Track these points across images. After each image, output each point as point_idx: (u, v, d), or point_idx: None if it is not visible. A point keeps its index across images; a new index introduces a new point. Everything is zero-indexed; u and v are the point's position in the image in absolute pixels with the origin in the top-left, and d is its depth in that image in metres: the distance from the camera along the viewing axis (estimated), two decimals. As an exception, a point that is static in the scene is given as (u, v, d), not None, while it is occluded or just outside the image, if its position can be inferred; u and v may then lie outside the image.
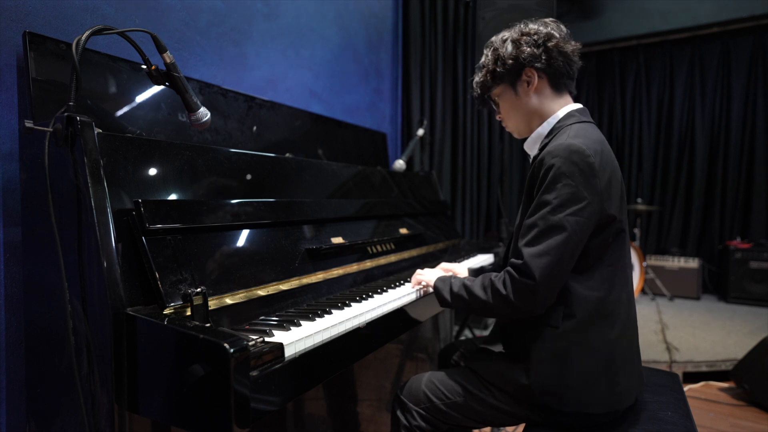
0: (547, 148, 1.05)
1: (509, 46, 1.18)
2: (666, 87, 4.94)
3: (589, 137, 1.05)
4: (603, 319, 1.06)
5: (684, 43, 4.80)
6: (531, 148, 1.23)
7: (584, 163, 1.00)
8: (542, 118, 1.19)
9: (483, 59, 1.26)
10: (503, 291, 1.03)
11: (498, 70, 1.20)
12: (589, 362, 1.05)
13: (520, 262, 1.02)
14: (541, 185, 1.03)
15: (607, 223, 1.04)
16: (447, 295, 1.20)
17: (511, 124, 1.26)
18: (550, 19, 1.20)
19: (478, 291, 1.10)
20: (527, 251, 1.01)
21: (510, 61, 1.17)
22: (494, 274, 1.10)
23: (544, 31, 1.16)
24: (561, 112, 1.17)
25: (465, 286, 1.15)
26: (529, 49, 1.15)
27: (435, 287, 1.25)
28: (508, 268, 1.05)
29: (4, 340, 1.16)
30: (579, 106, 1.18)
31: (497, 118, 1.30)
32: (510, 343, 1.17)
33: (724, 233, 4.68)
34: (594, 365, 1.05)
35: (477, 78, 1.28)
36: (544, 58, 1.14)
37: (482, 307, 1.11)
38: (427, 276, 1.36)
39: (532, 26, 1.17)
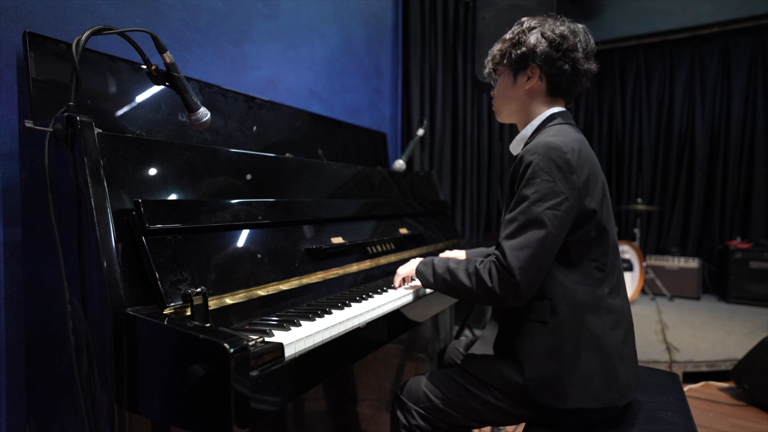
0: (526, 146, 1.09)
1: (532, 37, 1.16)
2: (666, 87, 4.94)
3: (567, 136, 1.08)
4: (593, 314, 1.06)
5: (684, 43, 4.80)
6: (515, 149, 1.26)
7: (561, 159, 1.03)
8: (527, 118, 1.22)
9: (509, 34, 1.23)
10: (489, 283, 1.05)
11: (512, 51, 1.20)
12: (583, 356, 1.05)
13: (502, 256, 1.04)
14: (521, 181, 1.06)
15: (586, 217, 1.06)
16: (430, 277, 1.22)
17: (498, 104, 1.29)
18: (582, 26, 1.18)
19: (463, 277, 1.12)
20: (507, 244, 1.03)
21: (524, 49, 1.17)
22: (479, 260, 1.11)
23: (573, 41, 1.14)
24: (544, 115, 1.19)
25: (449, 270, 1.16)
26: (548, 49, 1.14)
27: (417, 270, 1.27)
28: (493, 260, 1.06)
29: (4, 340, 1.16)
30: (561, 109, 1.20)
31: (491, 94, 1.33)
32: (502, 342, 1.18)
33: (724, 233, 4.68)
34: (588, 360, 1.05)
35: (495, 49, 1.27)
36: (556, 65, 1.14)
37: (465, 293, 1.12)
38: (408, 268, 1.36)
39: (562, 28, 1.15)
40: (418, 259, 1.36)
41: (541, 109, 1.20)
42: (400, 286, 1.39)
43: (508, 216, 1.06)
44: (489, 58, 1.29)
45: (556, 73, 1.16)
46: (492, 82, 1.31)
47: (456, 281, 1.13)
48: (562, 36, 1.14)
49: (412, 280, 1.42)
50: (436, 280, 1.20)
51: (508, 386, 1.11)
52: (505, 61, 1.23)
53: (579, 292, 1.06)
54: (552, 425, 1.10)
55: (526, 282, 1.01)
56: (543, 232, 1.00)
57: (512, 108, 1.25)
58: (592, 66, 1.18)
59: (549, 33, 1.15)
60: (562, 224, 1.02)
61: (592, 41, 1.18)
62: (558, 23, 1.17)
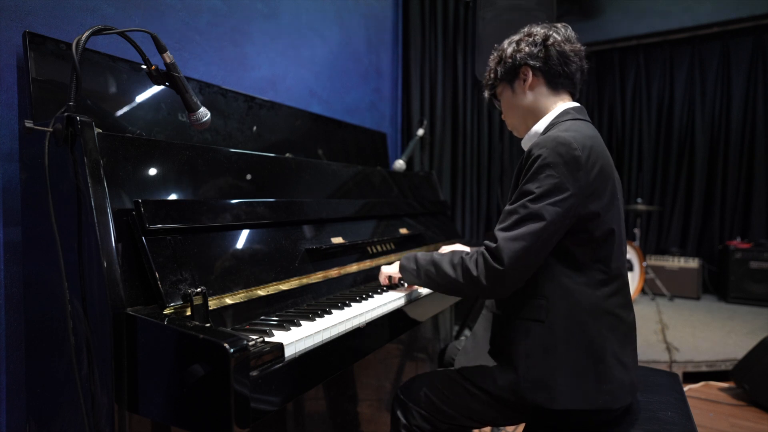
0: (536, 140, 1.07)
1: (510, 47, 1.22)
2: (666, 87, 4.94)
3: (579, 132, 1.06)
4: (590, 316, 1.05)
5: (684, 43, 4.80)
6: (527, 145, 1.22)
7: (569, 155, 1.00)
8: (537, 116, 1.20)
9: (492, 61, 1.30)
10: (474, 272, 1.04)
11: (499, 69, 1.25)
12: (575, 357, 1.04)
13: (493, 245, 1.02)
14: (525, 174, 1.05)
15: (588, 220, 1.04)
16: (413, 271, 1.21)
17: (510, 122, 1.30)
18: (561, 24, 1.22)
19: (447, 268, 1.10)
20: (502, 235, 1.02)
21: (509, 60, 1.21)
22: (465, 251, 1.10)
23: (546, 31, 1.19)
24: (556, 110, 1.17)
25: (434, 262, 1.15)
26: (527, 48, 1.18)
27: (401, 266, 1.26)
28: (482, 250, 1.05)
29: (4, 340, 1.16)
30: (575, 104, 1.19)
31: (502, 117, 1.34)
32: (496, 341, 1.17)
33: (724, 233, 4.68)
34: (580, 361, 1.04)
35: (486, 77, 1.32)
36: (540, 56, 1.17)
37: (450, 285, 1.11)
38: (393, 268, 1.36)
39: (537, 29, 1.21)
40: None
41: (550, 104, 1.19)
42: (385, 284, 1.39)
43: (508, 207, 1.05)
44: (486, 82, 1.33)
45: (546, 62, 1.17)
46: (496, 104, 1.34)
47: (440, 273, 1.12)
48: (536, 33, 1.19)
49: (400, 280, 1.41)
50: (419, 274, 1.19)
51: (502, 389, 1.10)
52: (498, 80, 1.26)
53: (578, 294, 1.05)
54: (551, 427, 1.10)
55: (513, 273, 1.00)
56: (541, 227, 0.99)
57: (522, 115, 1.23)
58: (577, 46, 1.19)
59: (525, 37, 1.21)
60: (562, 221, 1.01)
61: (570, 31, 1.20)
62: (529, 27, 1.23)
